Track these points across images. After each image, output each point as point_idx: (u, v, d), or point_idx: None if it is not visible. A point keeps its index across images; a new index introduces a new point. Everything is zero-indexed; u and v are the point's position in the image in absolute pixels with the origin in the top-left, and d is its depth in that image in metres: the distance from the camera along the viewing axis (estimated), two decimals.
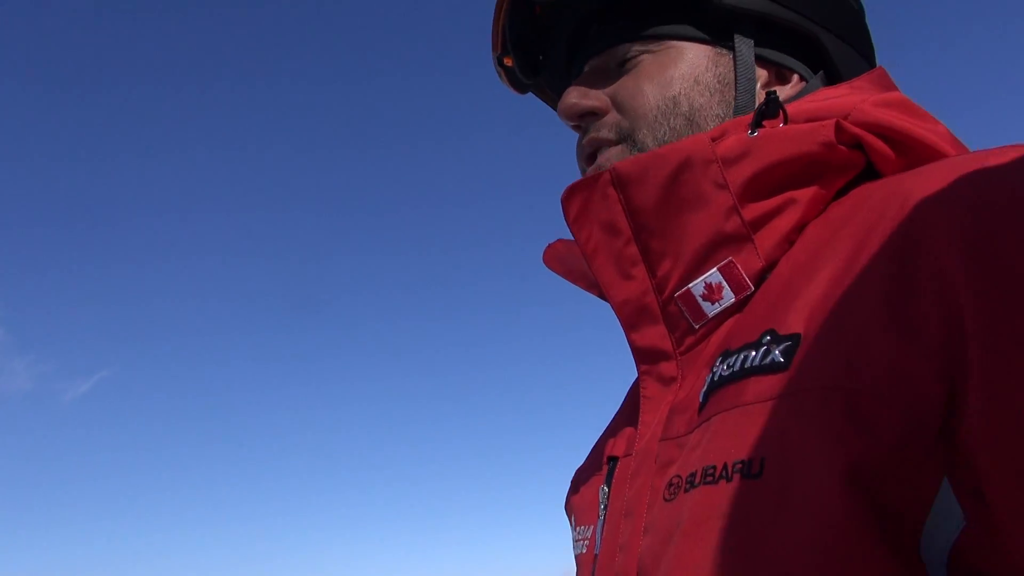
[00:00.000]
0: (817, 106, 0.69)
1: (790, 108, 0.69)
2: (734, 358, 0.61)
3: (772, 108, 0.68)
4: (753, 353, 0.59)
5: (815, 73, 0.79)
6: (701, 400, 0.63)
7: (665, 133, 0.75)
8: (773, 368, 0.56)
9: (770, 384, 0.56)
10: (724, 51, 0.77)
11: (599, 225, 0.71)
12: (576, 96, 0.78)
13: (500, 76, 0.90)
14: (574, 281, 0.82)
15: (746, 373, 0.58)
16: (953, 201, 0.53)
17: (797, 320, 0.57)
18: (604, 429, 0.90)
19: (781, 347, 0.57)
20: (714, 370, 0.63)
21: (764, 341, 0.59)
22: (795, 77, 0.78)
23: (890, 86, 0.76)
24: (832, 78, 0.79)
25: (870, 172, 0.70)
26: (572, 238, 0.76)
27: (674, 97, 0.75)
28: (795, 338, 0.56)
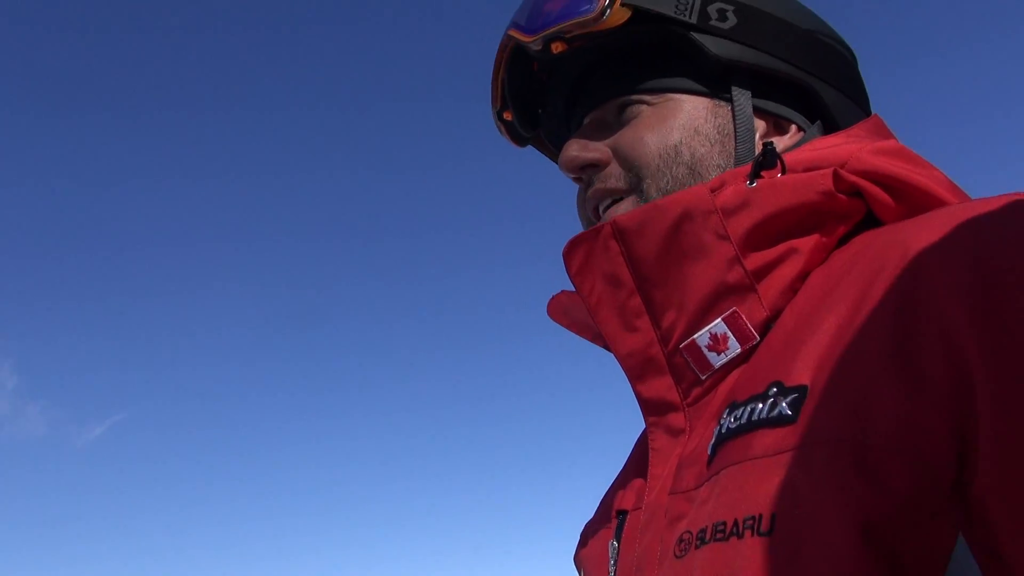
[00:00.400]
0: (814, 155, 0.70)
1: (788, 158, 0.70)
2: (741, 410, 0.60)
3: (770, 159, 0.69)
4: (760, 405, 0.58)
5: (812, 123, 0.80)
6: (710, 453, 0.62)
7: (668, 182, 0.75)
8: (780, 421, 0.56)
9: (778, 437, 0.55)
10: (722, 103, 0.78)
11: (602, 277, 0.72)
12: (577, 148, 0.79)
13: (500, 130, 0.90)
14: (579, 332, 0.82)
15: (753, 426, 0.58)
16: (954, 251, 0.53)
17: (803, 372, 0.57)
18: (612, 481, 0.89)
19: (788, 399, 0.56)
20: (721, 422, 0.62)
21: (771, 393, 0.58)
22: (793, 127, 0.79)
23: (886, 134, 0.77)
24: (829, 127, 0.80)
25: (871, 219, 0.70)
26: (574, 290, 0.76)
27: (675, 146, 0.75)
28: (802, 390, 0.56)
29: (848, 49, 0.84)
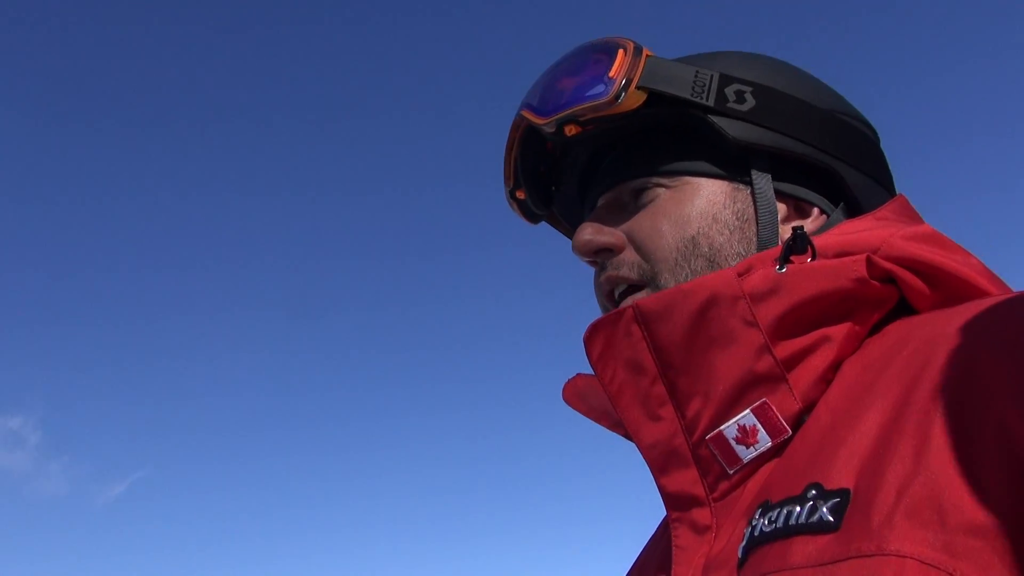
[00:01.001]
0: (845, 240, 0.67)
1: (818, 242, 0.68)
2: (776, 512, 0.56)
3: (800, 243, 0.66)
4: (798, 509, 0.55)
5: (835, 205, 0.77)
6: (740, 556, 0.58)
7: (686, 276, 0.73)
8: (822, 528, 0.52)
9: (820, 546, 0.51)
10: (741, 186, 0.75)
11: (623, 363, 0.68)
12: (591, 232, 0.76)
13: (512, 207, 0.88)
14: (597, 420, 0.79)
15: (791, 531, 0.54)
16: (1006, 348, 0.50)
17: (845, 474, 0.54)
18: (628, 572, 0.85)
19: (829, 504, 0.53)
20: (753, 523, 0.58)
21: (809, 496, 0.54)
22: (815, 211, 0.76)
23: (913, 214, 0.75)
24: (853, 210, 0.77)
25: (904, 306, 0.67)
26: (592, 372, 0.73)
27: (693, 238, 0.73)
28: (844, 494, 0.52)
29: (870, 127, 0.82)
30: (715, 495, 0.66)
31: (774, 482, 0.61)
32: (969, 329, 0.54)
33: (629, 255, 0.75)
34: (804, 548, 0.52)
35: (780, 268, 0.65)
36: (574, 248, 0.78)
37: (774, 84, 0.76)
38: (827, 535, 0.51)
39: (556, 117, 0.76)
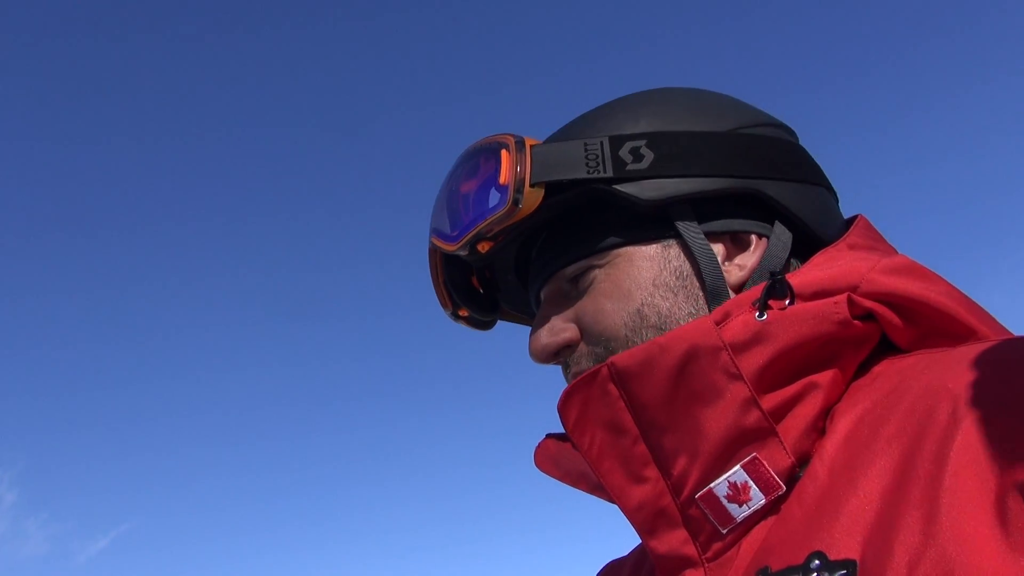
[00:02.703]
0: (821, 277, 0.64)
1: (793, 282, 0.65)
2: None
3: (780, 289, 0.64)
4: None
5: (770, 223, 0.73)
6: None
7: None
8: None
9: None
10: (672, 242, 0.71)
11: (602, 426, 0.65)
12: (546, 336, 0.72)
13: (461, 324, 0.85)
14: (574, 484, 0.75)
15: None
16: (1015, 410, 0.49)
17: (849, 543, 0.51)
18: None
19: None
20: None
21: (813, 566, 0.52)
22: (752, 238, 0.72)
23: (878, 237, 0.73)
24: (790, 222, 0.72)
25: (884, 342, 0.65)
26: (560, 432, 0.70)
27: (638, 310, 0.69)
28: (851, 566, 0.50)
29: (783, 127, 0.78)
30: (708, 555, 0.63)
31: (772, 546, 0.58)
32: (972, 384, 0.52)
33: (583, 347, 0.71)
34: None
35: (760, 315, 0.63)
36: (534, 356, 0.74)
37: (665, 127, 0.72)
38: None
39: (464, 240, 0.72)
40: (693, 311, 0.69)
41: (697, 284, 0.70)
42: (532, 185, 0.69)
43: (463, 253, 0.73)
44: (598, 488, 0.72)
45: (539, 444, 0.74)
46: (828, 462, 0.59)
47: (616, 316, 0.69)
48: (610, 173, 0.69)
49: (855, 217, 0.75)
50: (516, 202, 0.69)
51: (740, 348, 0.62)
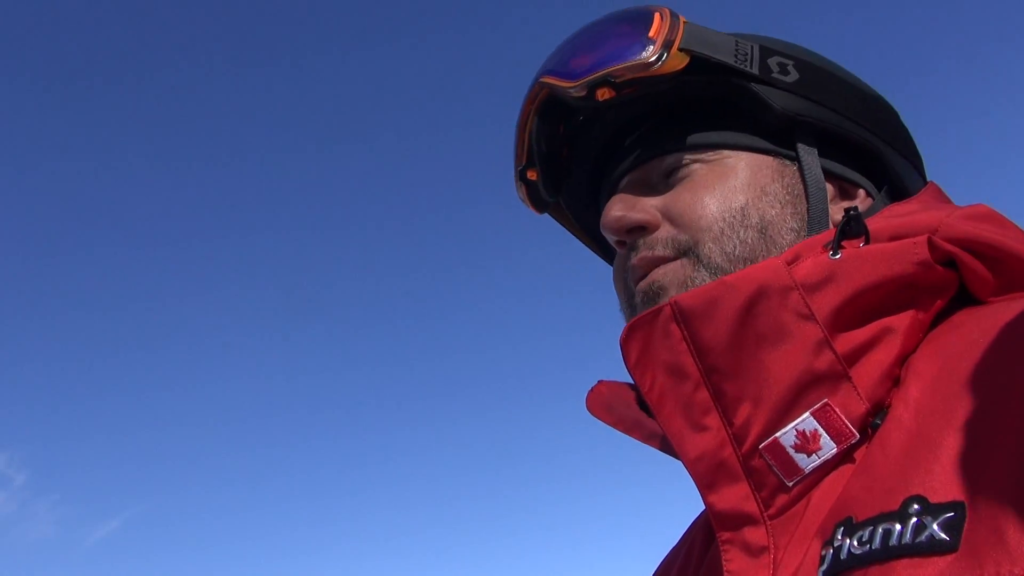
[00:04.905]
0: (898, 222, 0.62)
1: (869, 225, 0.61)
2: (867, 531, 0.49)
3: (855, 226, 0.60)
4: (898, 527, 0.48)
5: (879, 189, 0.73)
6: None
7: (735, 247, 0.66)
8: (935, 548, 0.45)
9: (937, 571, 0.45)
10: (787, 162, 0.70)
11: (663, 368, 0.61)
12: (622, 207, 0.69)
13: (519, 191, 0.81)
14: (627, 431, 0.71)
15: (893, 553, 0.47)
16: None
17: (953, 485, 0.47)
18: None
19: (940, 520, 0.46)
20: (835, 544, 0.51)
21: (911, 511, 0.48)
22: (861, 193, 0.72)
23: (948, 201, 0.71)
24: (896, 194, 0.73)
25: (961, 294, 0.62)
26: (616, 378, 0.67)
27: (742, 208, 0.67)
28: (958, 508, 0.46)
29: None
30: (771, 511, 0.59)
31: (854, 495, 0.54)
32: None
33: (664, 231, 0.68)
34: (914, 573, 0.46)
35: (834, 254, 0.59)
36: (604, 225, 0.70)
37: (814, 61, 0.72)
38: (944, 556, 0.45)
39: (588, 79, 0.69)
40: (796, 228, 0.67)
41: (804, 208, 0.68)
42: (679, 50, 0.68)
43: (579, 93, 0.70)
44: (652, 437, 0.68)
45: (592, 389, 0.71)
46: (914, 406, 0.55)
47: (714, 208, 0.67)
48: (755, 71, 0.68)
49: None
50: (660, 56, 0.67)
51: (812, 288, 0.58)
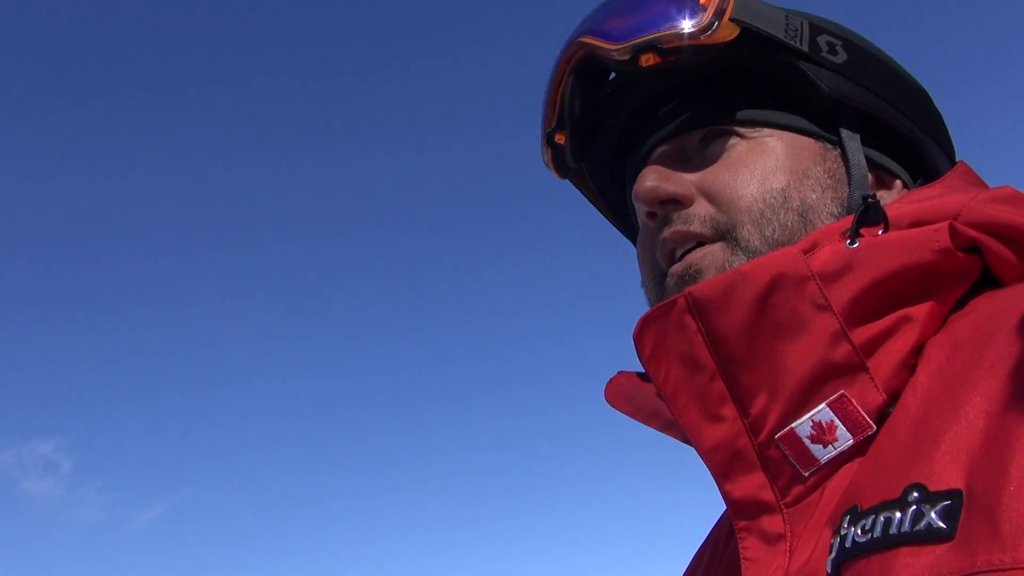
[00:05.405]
0: (918, 208, 0.60)
1: (888, 211, 0.61)
2: (869, 520, 0.49)
3: (874, 214, 0.59)
4: (898, 515, 0.48)
5: (915, 182, 0.71)
6: (830, 570, 0.51)
7: (775, 231, 0.65)
8: (932, 536, 0.45)
9: (935, 559, 0.45)
10: (828, 146, 0.68)
11: (677, 360, 0.61)
12: (657, 178, 0.67)
13: (543, 155, 0.79)
14: (644, 421, 0.72)
15: (892, 542, 0.47)
16: None
17: (952, 473, 0.47)
18: None
19: (938, 508, 0.46)
20: (842, 533, 0.51)
21: (911, 499, 0.48)
22: (898, 183, 0.70)
23: (980, 183, 0.69)
24: None
25: (985, 278, 0.61)
26: (635, 369, 0.67)
27: (783, 190, 0.66)
28: (955, 496, 0.46)
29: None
30: (787, 500, 0.59)
31: (862, 484, 0.54)
32: None
33: (701, 208, 0.67)
34: (913, 561, 0.45)
35: (851, 243, 0.58)
36: (636, 195, 0.68)
37: (862, 43, 0.70)
38: (940, 545, 0.45)
39: (634, 43, 0.67)
40: (836, 215, 0.66)
41: (845, 193, 0.67)
42: (731, 20, 0.66)
43: (622, 57, 0.68)
44: (670, 426, 0.69)
45: (611, 379, 0.72)
46: (921, 393, 0.54)
47: (754, 188, 0.66)
48: (805, 48, 0.67)
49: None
50: (711, 25, 0.66)
51: (829, 278, 0.57)
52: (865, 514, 0.50)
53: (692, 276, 0.66)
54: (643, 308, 0.72)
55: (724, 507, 0.62)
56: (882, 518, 0.48)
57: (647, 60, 0.67)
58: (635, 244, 0.88)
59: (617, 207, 0.85)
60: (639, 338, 0.62)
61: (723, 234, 0.66)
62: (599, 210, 0.87)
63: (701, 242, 0.67)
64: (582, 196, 0.86)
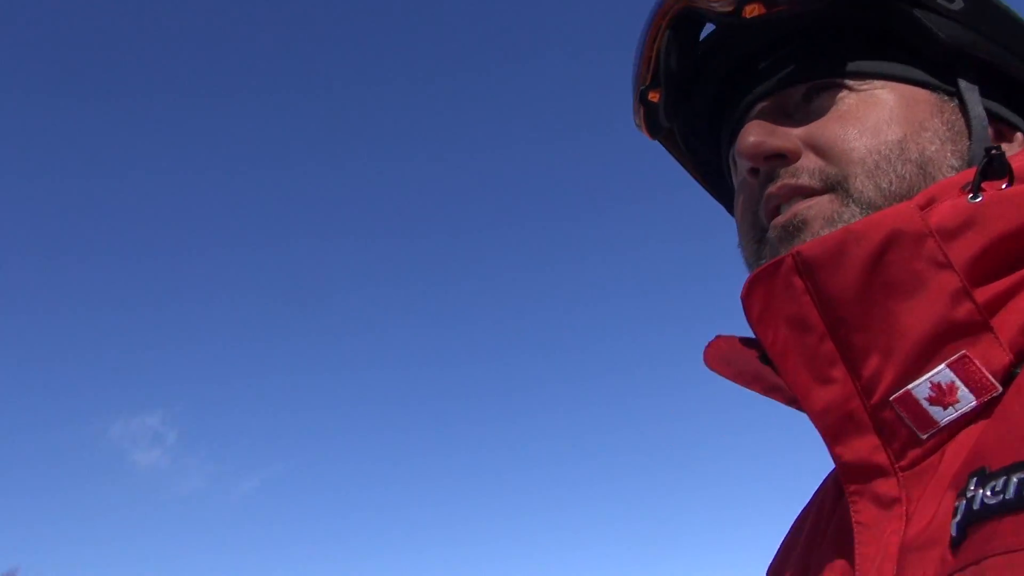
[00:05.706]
0: None
1: (1014, 164, 0.58)
2: (1000, 481, 0.48)
3: (998, 167, 0.56)
4: None
5: None
6: (955, 533, 0.50)
7: (892, 182, 0.62)
8: None
9: None
10: (945, 98, 0.66)
11: (785, 321, 0.60)
12: (761, 133, 0.65)
13: (635, 113, 0.77)
14: (747, 385, 0.70)
15: None
16: None
17: None
18: (776, 556, 0.76)
19: None
20: (968, 495, 0.50)
21: None
22: (1020, 136, 0.67)
23: None
24: None
25: None
26: (733, 333, 0.65)
27: (900, 141, 0.63)
28: None
29: None
30: (902, 463, 0.57)
31: (989, 446, 0.52)
32: None
33: (809, 161, 0.65)
34: None
35: (974, 197, 0.56)
36: (739, 151, 0.66)
37: None
38: None
39: None
40: (957, 167, 0.63)
41: (966, 146, 0.64)
42: None
43: (725, 8, 0.66)
44: (773, 389, 0.67)
45: (709, 343, 0.70)
46: None
47: (868, 140, 0.63)
48: None
49: None
50: None
51: (949, 234, 0.55)
52: (995, 475, 0.48)
53: (796, 227, 0.64)
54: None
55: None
56: (1015, 480, 0.47)
57: (752, 11, 0.65)
58: (726, 207, 0.85)
59: (706, 168, 0.83)
60: (747, 299, 0.61)
61: (833, 186, 0.64)
62: (688, 172, 0.85)
63: (811, 195, 0.65)
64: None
